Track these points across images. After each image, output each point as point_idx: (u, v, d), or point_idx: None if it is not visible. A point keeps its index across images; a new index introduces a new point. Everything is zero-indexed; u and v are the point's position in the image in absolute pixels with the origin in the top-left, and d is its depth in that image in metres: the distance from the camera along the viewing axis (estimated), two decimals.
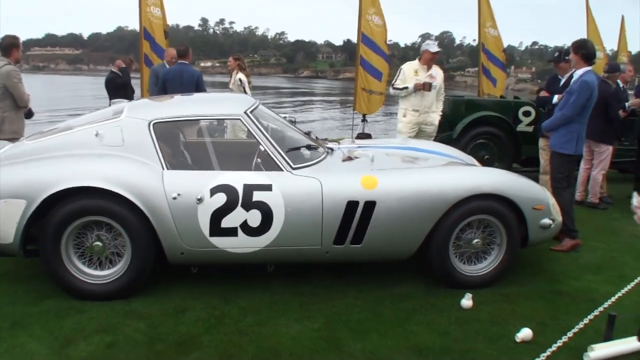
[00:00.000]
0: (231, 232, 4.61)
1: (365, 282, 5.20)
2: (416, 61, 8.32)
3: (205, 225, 4.57)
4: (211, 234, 4.60)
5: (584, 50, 6.06)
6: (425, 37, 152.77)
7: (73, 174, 4.51)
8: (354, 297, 4.90)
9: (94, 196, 4.49)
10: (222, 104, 5.40)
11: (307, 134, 5.70)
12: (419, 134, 8.33)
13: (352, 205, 4.68)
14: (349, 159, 5.27)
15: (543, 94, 7.99)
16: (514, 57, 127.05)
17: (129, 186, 4.49)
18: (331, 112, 35.51)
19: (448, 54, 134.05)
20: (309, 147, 5.25)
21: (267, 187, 4.62)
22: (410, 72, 8.19)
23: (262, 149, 4.82)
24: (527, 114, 10.11)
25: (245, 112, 4.92)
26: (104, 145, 4.73)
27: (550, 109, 7.29)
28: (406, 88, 8.11)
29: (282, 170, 4.75)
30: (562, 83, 7.38)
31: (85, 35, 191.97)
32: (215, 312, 4.55)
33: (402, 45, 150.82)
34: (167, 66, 10.02)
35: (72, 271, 4.65)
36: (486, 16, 14.54)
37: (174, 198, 4.52)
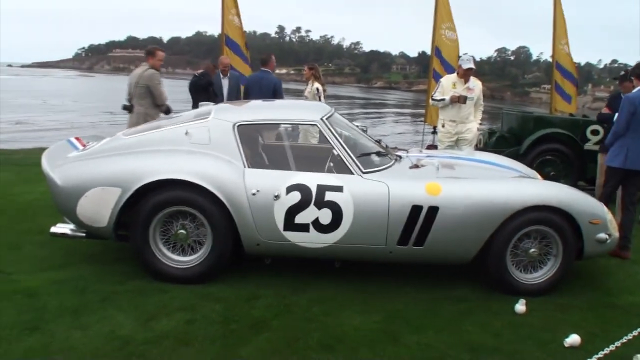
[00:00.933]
0: (303, 227, 5.02)
1: (424, 283, 5.52)
2: (454, 75, 8.83)
3: (280, 220, 5.00)
4: (285, 229, 5.02)
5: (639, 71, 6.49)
6: (502, 51, 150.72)
7: (164, 168, 5.01)
8: (413, 296, 5.23)
9: (182, 188, 4.97)
10: (301, 110, 5.85)
11: (378, 141, 6.07)
12: (458, 142, 8.76)
13: (416, 209, 5.02)
14: (416, 166, 5.61)
15: (604, 110, 8.15)
16: (592, 75, 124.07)
17: (214, 181, 4.95)
18: (403, 124, 35.69)
19: (524, 70, 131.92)
20: (378, 154, 5.63)
21: (339, 189, 5.01)
22: (448, 85, 8.68)
23: (335, 153, 5.22)
24: (595, 132, 10.23)
25: (321, 119, 5.34)
26: (192, 143, 5.21)
27: (609, 126, 7.52)
28: (443, 100, 8.59)
29: (352, 173, 5.13)
30: None
31: (165, 39, 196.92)
32: (285, 301, 4.95)
33: (477, 59, 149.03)
34: (222, 76, 10.55)
35: (158, 255, 5.14)
36: (561, 32, 14.58)
37: (253, 194, 4.96)
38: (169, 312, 4.62)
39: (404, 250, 5.13)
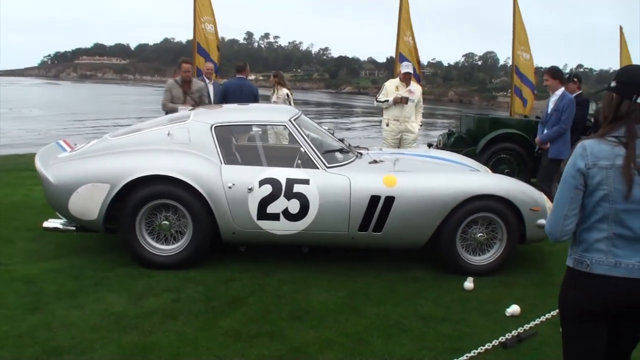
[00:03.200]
0: (275, 216, 5.63)
1: (384, 265, 6.15)
2: (397, 79, 9.84)
3: (253, 210, 5.61)
4: (258, 218, 5.63)
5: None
6: (469, 56, 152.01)
7: (149, 165, 5.59)
8: (373, 276, 5.85)
9: (165, 183, 5.56)
10: (271, 113, 6.54)
11: (341, 140, 6.70)
12: (402, 142, 9.66)
13: (374, 199, 5.65)
14: (375, 162, 6.23)
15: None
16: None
17: (194, 176, 5.55)
18: (372, 128, 36.32)
19: (491, 75, 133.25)
20: (341, 151, 6.27)
21: (306, 181, 5.63)
22: (392, 88, 9.71)
23: (303, 150, 5.84)
24: None
25: (289, 120, 5.98)
26: (174, 143, 5.80)
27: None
28: (387, 101, 9.60)
29: (318, 168, 5.76)
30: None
31: (133, 46, 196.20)
32: (259, 282, 5.56)
33: (445, 64, 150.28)
34: (207, 80, 11.05)
35: (144, 245, 5.72)
36: (520, 39, 15.31)
37: (230, 187, 5.56)
38: (156, 292, 5.20)
39: (364, 235, 5.75)
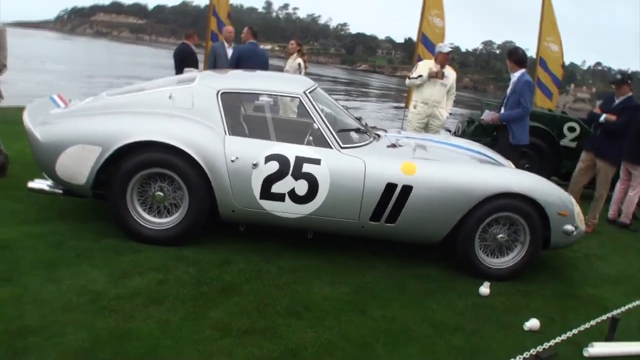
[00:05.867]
0: (279, 197, 5.12)
1: (393, 260, 5.65)
2: (432, 61, 9.15)
3: (257, 188, 5.09)
4: (261, 197, 5.11)
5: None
6: (488, 44, 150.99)
7: (146, 129, 5.07)
8: (382, 271, 5.35)
9: (162, 150, 5.03)
10: (285, 82, 5.93)
11: (358, 119, 6.16)
12: (428, 127, 9.08)
13: (390, 187, 5.13)
14: (393, 146, 5.71)
15: (596, 111, 8.32)
16: (575, 75, 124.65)
17: (194, 145, 5.02)
18: (385, 108, 35.77)
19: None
20: (357, 131, 5.73)
21: (316, 161, 5.11)
22: (425, 69, 8.99)
23: (316, 127, 5.31)
24: (572, 129, 10.40)
25: (304, 92, 5.42)
26: (175, 107, 5.27)
27: (596, 126, 8.17)
28: (421, 76, 8.89)
29: (331, 147, 5.22)
30: (615, 104, 7.86)
31: (150, 6, 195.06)
32: (256, 268, 5.05)
33: (463, 50, 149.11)
34: (226, 44, 10.52)
35: (134, 216, 5.21)
36: (548, 30, 14.67)
37: (232, 161, 5.04)
38: (142, 271, 4.70)
39: (376, 226, 5.24)
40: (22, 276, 4.39)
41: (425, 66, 9.03)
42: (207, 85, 5.41)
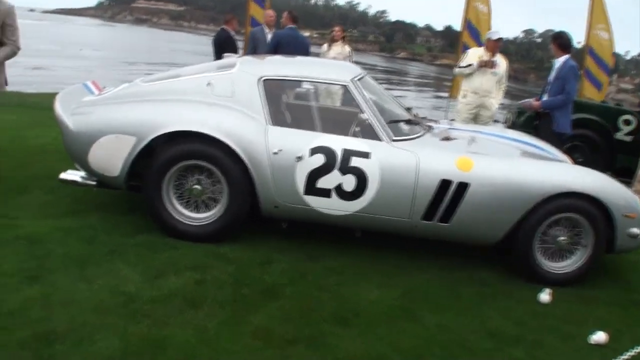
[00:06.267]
0: (325, 193, 4.75)
1: (445, 261, 5.26)
2: (482, 49, 8.67)
3: (301, 183, 4.74)
4: (306, 192, 4.76)
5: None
6: (529, 33, 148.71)
7: (183, 118, 4.75)
8: (433, 274, 4.97)
9: (200, 141, 4.70)
10: (331, 69, 5.52)
11: (408, 109, 5.77)
12: (477, 118, 8.64)
13: (445, 184, 4.75)
14: (447, 138, 5.31)
15: None
16: (618, 66, 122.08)
17: (234, 136, 4.69)
18: (426, 97, 35.26)
19: (549, 54, 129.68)
20: (409, 122, 5.34)
21: (365, 155, 4.73)
22: (474, 57, 8.56)
23: (364, 117, 4.93)
24: (627, 122, 9.85)
25: (352, 80, 5.04)
26: (214, 95, 4.93)
27: None
28: (471, 65, 8.45)
29: (381, 140, 4.85)
30: None
31: None
32: (300, 268, 4.71)
33: (503, 38, 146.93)
34: (266, 29, 10.15)
35: (170, 210, 4.89)
36: (598, 17, 14.05)
37: (275, 153, 4.69)
38: (178, 270, 4.39)
39: (428, 225, 4.87)
40: (51, 273, 4.11)
41: (475, 54, 8.60)
42: (247, 71, 5.06)
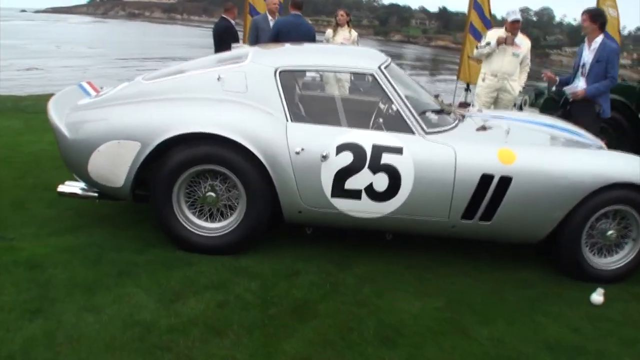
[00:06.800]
0: (354, 194, 4.27)
1: (483, 261, 4.80)
2: (502, 30, 8.15)
3: (327, 185, 4.25)
4: (333, 195, 4.27)
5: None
6: (524, 11, 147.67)
7: (192, 119, 4.25)
8: (474, 277, 4.52)
9: (212, 143, 4.21)
10: (354, 57, 4.96)
11: (436, 97, 5.27)
12: (497, 102, 8.22)
13: (486, 179, 4.27)
14: (483, 128, 4.82)
15: None
16: (623, 42, 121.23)
17: (250, 136, 4.19)
18: (425, 81, 34.74)
19: (545, 32, 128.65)
20: (441, 112, 4.84)
21: (398, 150, 4.25)
22: (494, 37, 8.09)
23: (394, 108, 4.43)
24: None
25: (379, 68, 4.53)
26: (225, 91, 4.43)
27: None
28: (489, 44, 8.00)
29: (414, 133, 4.36)
30: None
31: None
32: (330, 279, 4.24)
33: (498, 17, 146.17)
34: (269, 17, 9.56)
35: (182, 221, 4.42)
36: None
37: (297, 153, 4.21)
38: (196, 290, 3.91)
39: (468, 225, 4.40)
40: (54, 304, 3.63)
41: (495, 35, 8.11)
42: (262, 63, 4.55)
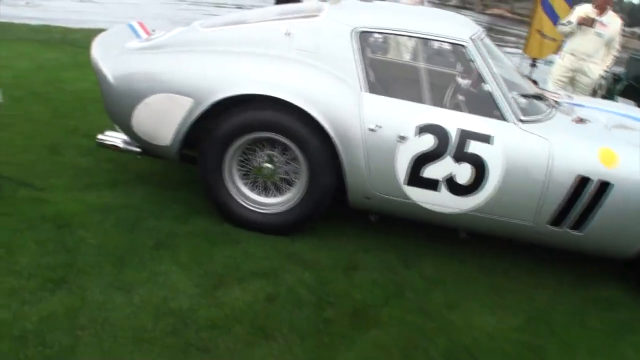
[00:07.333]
0: (432, 184, 3.69)
1: (566, 271, 4.21)
2: (589, 5, 7.50)
3: (402, 171, 3.67)
4: (408, 182, 3.69)
5: None
6: None
7: (255, 78, 3.69)
8: (553, 290, 3.94)
9: (276, 109, 3.66)
10: (445, 23, 4.25)
11: (534, 82, 4.59)
12: (574, 84, 7.61)
13: (582, 181, 3.65)
14: (580, 120, 4.18)
15: None
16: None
17: (320, 104, 3.62)
18: None
19: None
20: (537, 98, 4.21)
21: (487, 139, 3.64)
22: (578, 14, 7.48)
23: (487, 89, 3.81)
24: None
25: (471, 39, 3.89)
26: (294, 49, 3.84)
27: None
28: (570, 23, 7.40)
29: (507, 120, 3.73)
30: None
31: None
32: (394, 277, 3.70)
33: None
34: None
35: (232, 192, 3.91)
36: None
37: (371, 130, 3.63)
38: (242, 277, 3.40)
39: (555, 232, 3.80)
40: (80, 276, 3.17)
41: (581, 11, 7.44)
42: (338, 19, 3.92)
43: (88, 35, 9.77)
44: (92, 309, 2.91)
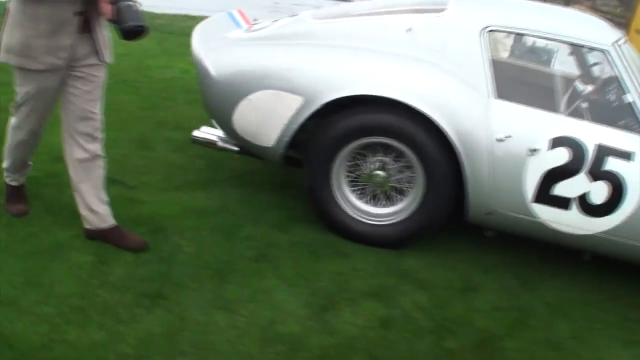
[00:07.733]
0: (562, 203, 3.30)
1: None
2: None
3: (531, 186, 3.30)
4: (536, 200, 3.31)
5: None
6: None
7: (375, 78, 3.39)
8: None
9: (394, 112, 3.34)
10: (586, 26, 3.84)
11: None
12: None
13: None
14: None
15: None
16: None
17: (444, 109, 3.28)
18: None
19: None
20: None
21: (627, 156, 3.24)
22: None
23: (628, 100, 3.39)
24: None
25: (613, 45, 3.47)
26: (416, 47, 3.50)
27: None
28: None
29: None
30: None
31: None
32: (515, 302, 3.33)
33: None
34: None
35: (339, 200, 3.61)
36: None
37: (500, 140, 3.27)
38: (353, 297, 3.09)
39: None
40: (178, 291, 2.91)
41: None
42: (467, 16, 3.56)
43: (173, 21, 9.66)
44: (193, 331, 2.65)
